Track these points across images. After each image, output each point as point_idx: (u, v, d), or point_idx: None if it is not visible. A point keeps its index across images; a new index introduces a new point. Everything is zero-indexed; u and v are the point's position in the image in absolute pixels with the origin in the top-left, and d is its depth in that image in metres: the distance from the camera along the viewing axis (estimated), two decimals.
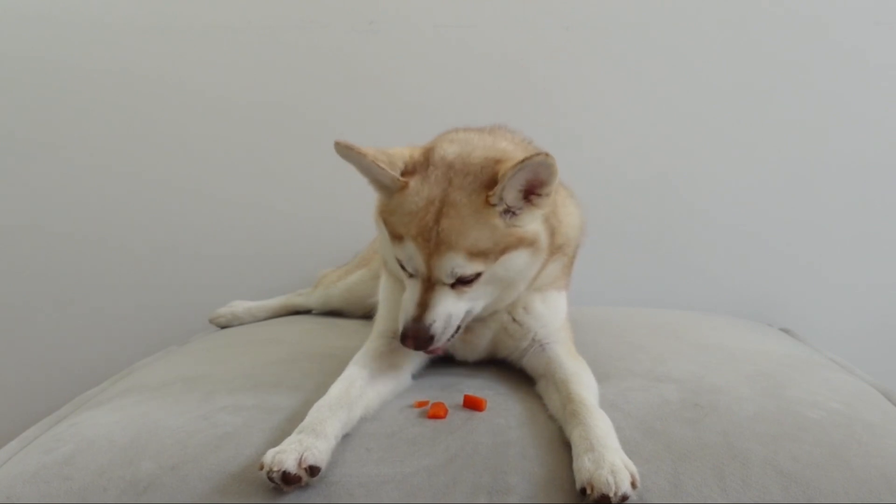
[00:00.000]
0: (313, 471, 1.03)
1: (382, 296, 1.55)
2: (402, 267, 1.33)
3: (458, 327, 1.34)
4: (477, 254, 1.27)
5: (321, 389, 1.23)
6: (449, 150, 1.35)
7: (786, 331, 2.15)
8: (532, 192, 1.30)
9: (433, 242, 1.26)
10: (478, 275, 1.29)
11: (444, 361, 1.51)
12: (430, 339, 1.28)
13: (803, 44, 2.39)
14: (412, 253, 1.29)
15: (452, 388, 1.36)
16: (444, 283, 1.29)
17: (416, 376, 1.43)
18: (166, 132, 2.53)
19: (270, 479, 1.01)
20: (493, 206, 1.27)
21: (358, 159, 1.31)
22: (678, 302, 2.40)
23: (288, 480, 1.01)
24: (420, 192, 1.30)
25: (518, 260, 1.32)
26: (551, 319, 1.46)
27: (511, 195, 1.28)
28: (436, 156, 1.34)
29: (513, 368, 1.48)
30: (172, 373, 1.54)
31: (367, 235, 2.11)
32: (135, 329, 2.55)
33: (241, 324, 2.14)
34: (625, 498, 0.97)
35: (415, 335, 1.28)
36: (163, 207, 2.55)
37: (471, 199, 1.28)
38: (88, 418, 1.30)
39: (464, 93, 2.46)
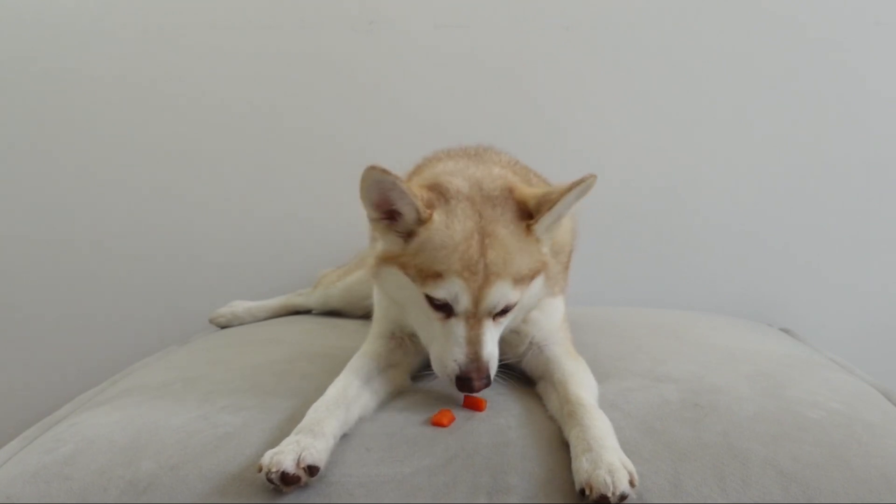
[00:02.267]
0: (312, 470, 1.03)
1: (377, 298, 1.55)
2: (436, 307, 1.25)
3: None
4: (519, 280, 1.26)
5: (321, 390, 1.23)
6: (460, 184, 1.31)
7: (786, 331, 2.15)
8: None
9: (481, 275, 1.22)
10: (515, 303, 1.28)
11: None
12: (489, 378, 1.23)
13: (803, 44, 2.38)
14: (458, 289, 1.22)
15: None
16: (488, 316, 1.26)
17: (415, 377, 1.43)
18: (166, 133, 2.53)
19: (269, 480, 1.01)
20: (533, 233, 1.28)
21: (393, 185, 1.22)
22: (678, 302, 2.40)
23: (287, 481, 1.01)
24: (451, 225, 1.25)
25: (539, 284, 1.33)
26: (547, 323, 1.46)
27: (550, 221, 1.29)
28: (450, 189, 1.30)
29: (513, 368, 1.48)
30: (172, 373, 1.54)
31: (366, 236, 2.11)
32: (135, 329, 2.55)
33: (242, 324, 2.15)
34: (623, 497, 0.97)
35: (479, 375, 1.22)
36: (163, 208, 2.55)
37: (511, 229, 1.27)
38: (88, 418, 1.30)
39: (463, 93, 2.46)
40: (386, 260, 1.30)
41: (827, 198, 2.43)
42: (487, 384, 1.24)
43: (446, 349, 1.24)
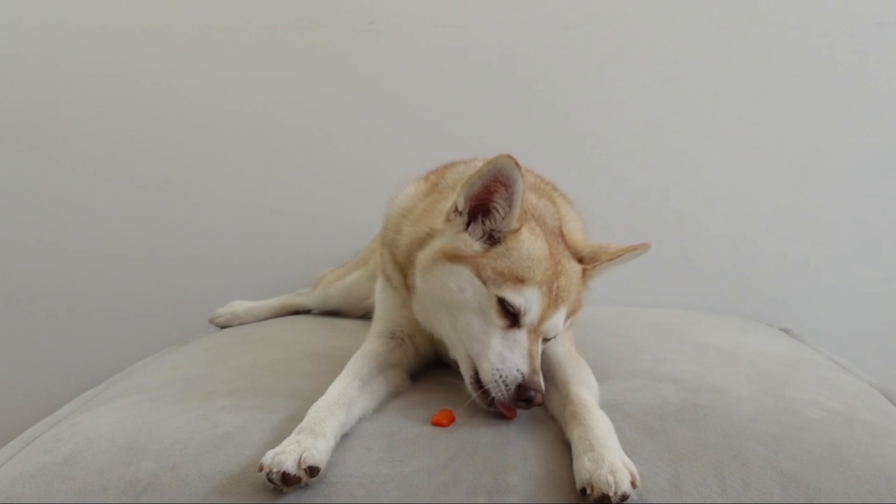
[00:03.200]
0: (313, 471, 1.02)
1: (378, 297, 1.55)
2: (505, 313, 1.23)
3: None
4: (570, 314, 1.33)
5: (321, 389, 1.23)
6: (533, 208, 1.37)
7: (786, 331, 2.15)
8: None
9: (554, 295, 1.25)
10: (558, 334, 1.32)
11: (443, 363, 1.51)
12: (542, 401, 1.21)
13: (802, 44, 2.38)
14: (534, 299, 1.23)
15: (452, 388, 1.36)
16: (544, 338, 1.28)
17: (415, 377, 1.43)
18: (166, 132, 2.53)
19: (270, 480, 1.01)
20: (586, 279, 1.37)
21: (514, 182, 1.21)
22: (678, 302, 2.40)
23: (288, 481, 1.00)
24: (536, 242, 1.28)
25: (567, 322, 1.36)
26: None
27: (601, 272, 1.38)
28: (528, 209, 1.33)
29: None
30: (172, 373, 1.54)
31: (366, 236, 2.11)
32: (135, 329, 2.55)
33: (241, 323, 2.14)
34: (625, 497, 0.97)
35: (538, 388, 1.19)
36: (163, 208, 2.55)
37: (574, 267, 1.34)
38: (88, 418, 1.30)
39: (463, 93, 2.46)
40: (453, 258, 1.27)
41: (827, 198, 2.43)
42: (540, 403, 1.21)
43: (509, 357, 1.21)
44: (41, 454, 1.17)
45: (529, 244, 1.26)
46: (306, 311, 2.22)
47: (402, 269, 1.42)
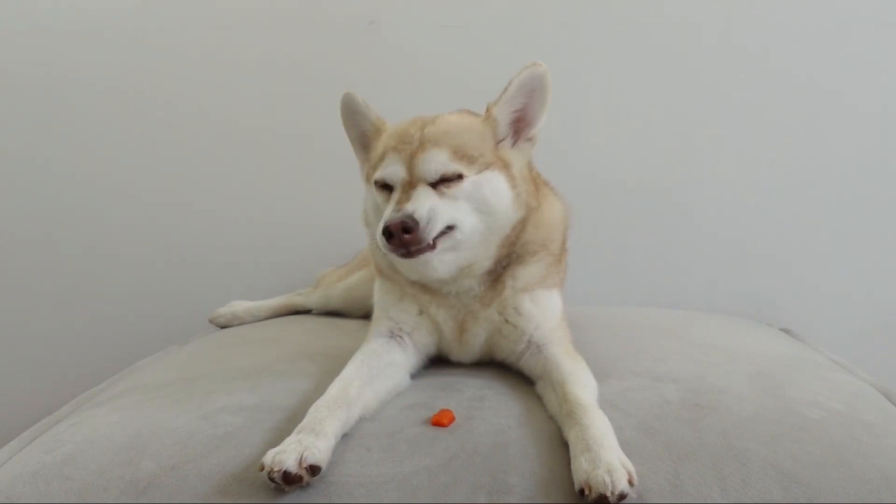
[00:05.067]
0: (314, 470, 1.03)
1: (377, 297, 1.55)
2: (380, 188, 1.37)
3: (447, 230, 1.32)
4: (462, 156, 1.35)
5: (321, 389, 1.23)
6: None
7: (786, 331, 2.15)
8: (520, 130, 1.45)
9: (416, 144, 1.35)
10: (459, 177, 1.34)
11: (444, 362, 1.52)
12: (416, 225, 1.25)
13: (802, 44, 2.39)
14: (391, 160, 1.36)
15: (452, 388, 1.36)
16: (424, 183, 1.33)
17: (415, 376, 1.44)
18: (166, 133, 2.53)
19: (271, 479, 1.01)
20: (491, 116, 1.42)
21: (354, 101, 1.54)
22: (678, 302, 2.40)
23: (289, 480, 1.00)
24: (400, 124, 1.44)
25: (499, 184, 1.38)
26: (544, 320, 1.45)
27: (503, 114, 1.42)
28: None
29: (513, 368, 1.48)
30: (172, 373, 1.54)
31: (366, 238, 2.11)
32: (135, 329, 2.55)
33: (242, 324, 2.14)
34: (622, 496, 0.97)
35: (399, 224, 1.25)
36: (163, 208, 2.55)
37: (462, 116, 1.45)
38: (88, 418, 1.30)
39: (463, 93, 2.44)
40: (366, 188, 1.45)
41: (827, 197, 2.43)
42: (414, 236, 1.26)
43: (380, 218, 1.32)
44: (41, 454, 1.17)
45: (392, 128, 1.45)
46: (306, 311, 2.22)
47: None
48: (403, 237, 1.25)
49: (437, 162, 1.33)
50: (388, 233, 1.26)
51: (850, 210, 2.43)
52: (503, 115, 1.43)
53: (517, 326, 1.44)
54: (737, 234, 2.45)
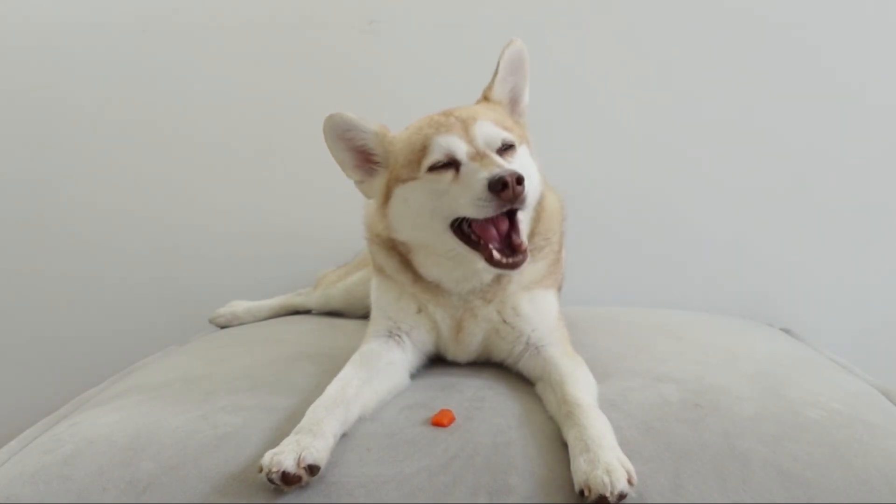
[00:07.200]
0: (313, 470, 1.02)
1: (374, 296, 1.55)
2: (442, 169, 1.30)
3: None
4: (502, 125, 1.36)
5: (320, 389, 1.23)
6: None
7: (786, 331, 2.15)
8: (514, 108, 1.48)
9: (459, 122, 1.33)
10: (512, 146, 1.34)
11: (443, 362, 1.51)
12: (522, 181, 1.21)
13: (803, 43, 2.38)
14: (446, 140, 1.31)
15: (452, 388, 1.36)
16: (493, 151, 1.31)
17: (415, 376, 1.43)
18: (166, 132, 2.53)
19: (270, 480, 1.01)
20: (492, 96, 1.46)
21: (345, 121, 1.45)
22: (678, 302, 2.39)
23: (288, 480, 1.01)
24: (411, 125, 1.42)
25: (527, 157, 1.40)
26: (541, 321, 1.45)
27: (502, 94, 1.44)
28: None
29: (512, 370, 1.48)
30: (172, 373, 1.54)
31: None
32: (135, 329, 2.55)
33: (241, 324, 2.15)
34: (622, 496, 0.97)
35: (515, 175, 1.20)
36: (163, 207, 2.55)
37: (472, 105, 1.46)
38: (88, 418, 1.30)
39: (463, 93, 2.45)
40: (387, 194, 1.38)
41: (827, 197, 2.43)
42: (520, 184, 1.21)
43: (473, 180, 1.24)
44: (41, 454, 1.17)
45: (404, 131, 1.42)
46: (306, 311, 2.22)
47: (392, 245, 1.47)
48: (516, 188, 1.21)
49: (493, 130, 1.33)
50: (501, 184, 1.20)
51: (850, 210, 2.42)
52: (502, 95, 1.47)
53: (514, 328, 1.44)
54: (737, 234, 2.45)
